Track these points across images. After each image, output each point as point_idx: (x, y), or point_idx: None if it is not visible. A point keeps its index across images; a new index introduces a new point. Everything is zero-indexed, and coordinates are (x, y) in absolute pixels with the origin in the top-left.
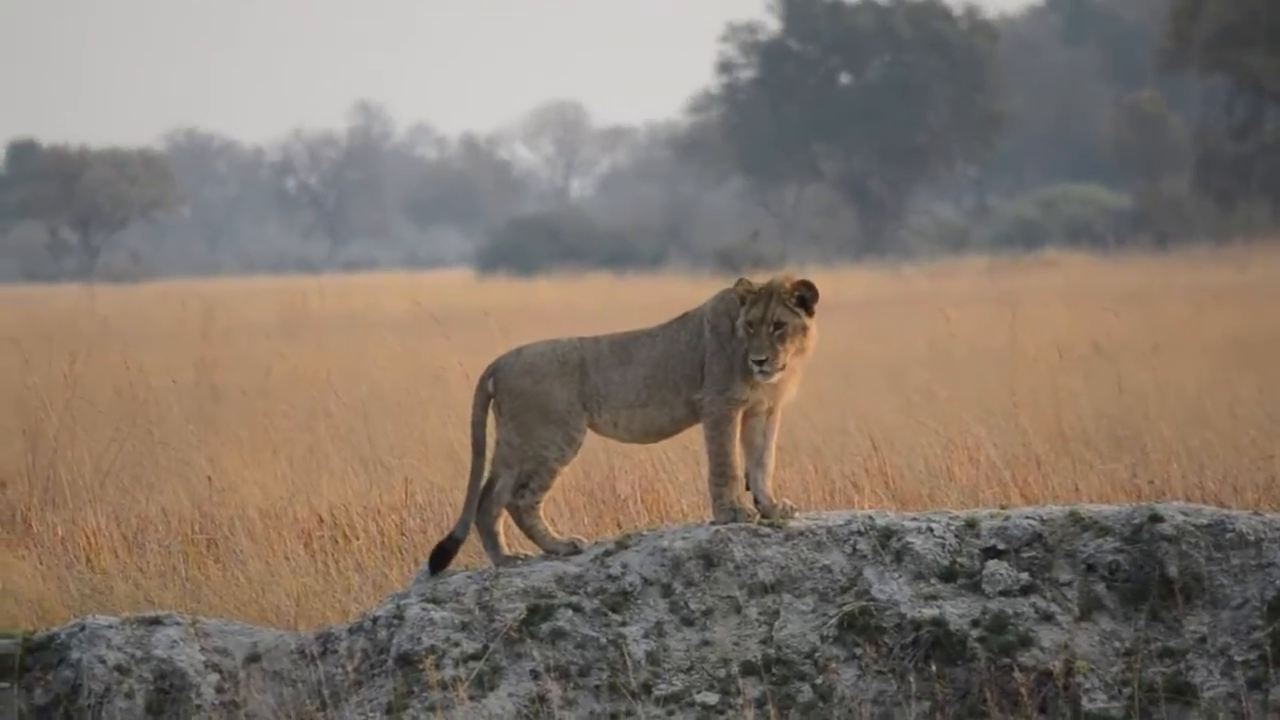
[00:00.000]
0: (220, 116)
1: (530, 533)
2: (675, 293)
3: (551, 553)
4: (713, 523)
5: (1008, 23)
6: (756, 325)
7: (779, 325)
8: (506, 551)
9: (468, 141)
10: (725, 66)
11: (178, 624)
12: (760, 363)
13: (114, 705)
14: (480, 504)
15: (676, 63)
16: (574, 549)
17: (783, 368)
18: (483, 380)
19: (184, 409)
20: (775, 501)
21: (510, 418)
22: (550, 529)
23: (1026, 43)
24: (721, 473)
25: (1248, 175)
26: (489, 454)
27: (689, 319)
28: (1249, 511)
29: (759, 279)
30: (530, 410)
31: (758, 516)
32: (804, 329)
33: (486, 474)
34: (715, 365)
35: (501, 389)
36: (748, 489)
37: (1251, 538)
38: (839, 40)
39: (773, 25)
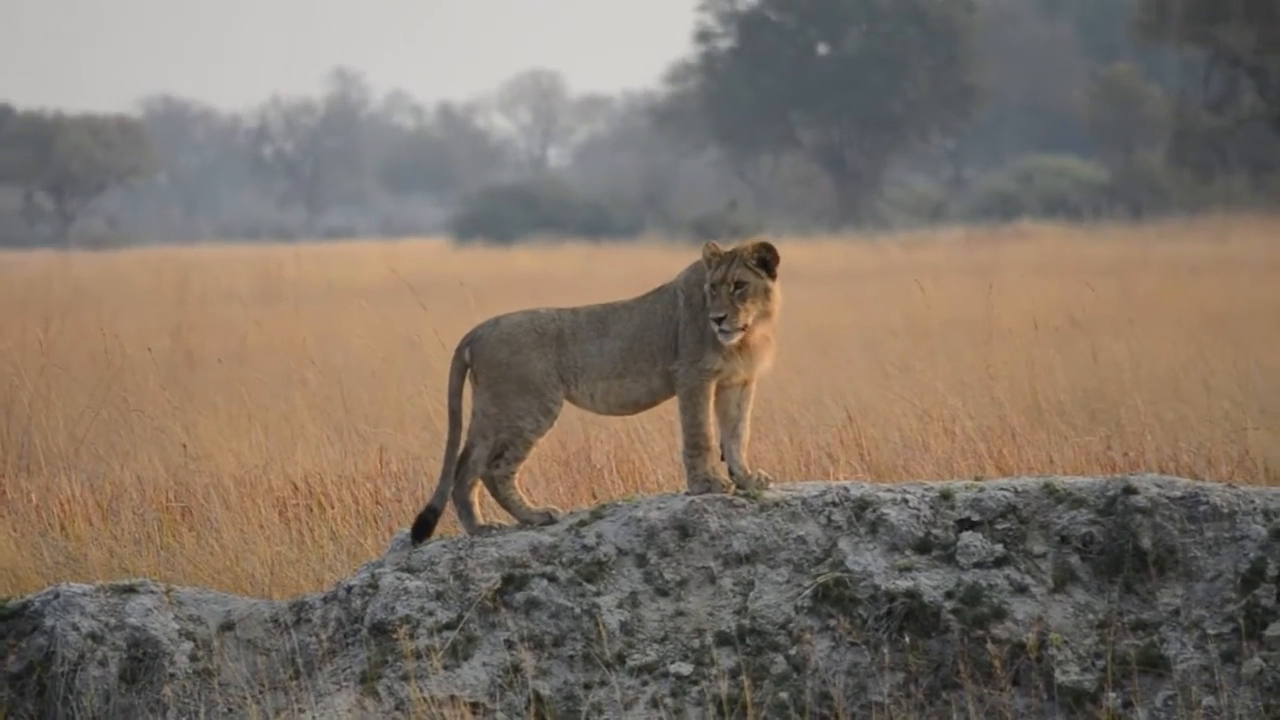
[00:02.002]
0: (197, 83)
1: (505, 503)
2: (652, 262)
3: (526, 522)
4: (688, 493)
5: None
6: (717, 286)
7: (739, 285)
8: (481, 521)
9: (445, 110)
10: (703, 36)
11: (152, 592)
12: (719, 320)
13: (88, 673)
14: (455, 474)
15: (654, 32)
16: (549, 519)
17: (743, 328)
18: (459, 350)
19: (159, 376)
20: (750, 472)
21: (486, 388)
22: (525, 499)
23: (1003, 14)
24: (695, 444)
25: (1224, 148)
26: (465, 424)
27: (664, 291)
28: (1223, 484)
29: (729, 247)
30: (507, 380)
31: (733, 487)
32: (766, 290)
33: (463, 444)
34: (688, 336)
35: (478, 359)
36: (723, 460)
37: (1225, 510)
38: (817, 10)
39: None
